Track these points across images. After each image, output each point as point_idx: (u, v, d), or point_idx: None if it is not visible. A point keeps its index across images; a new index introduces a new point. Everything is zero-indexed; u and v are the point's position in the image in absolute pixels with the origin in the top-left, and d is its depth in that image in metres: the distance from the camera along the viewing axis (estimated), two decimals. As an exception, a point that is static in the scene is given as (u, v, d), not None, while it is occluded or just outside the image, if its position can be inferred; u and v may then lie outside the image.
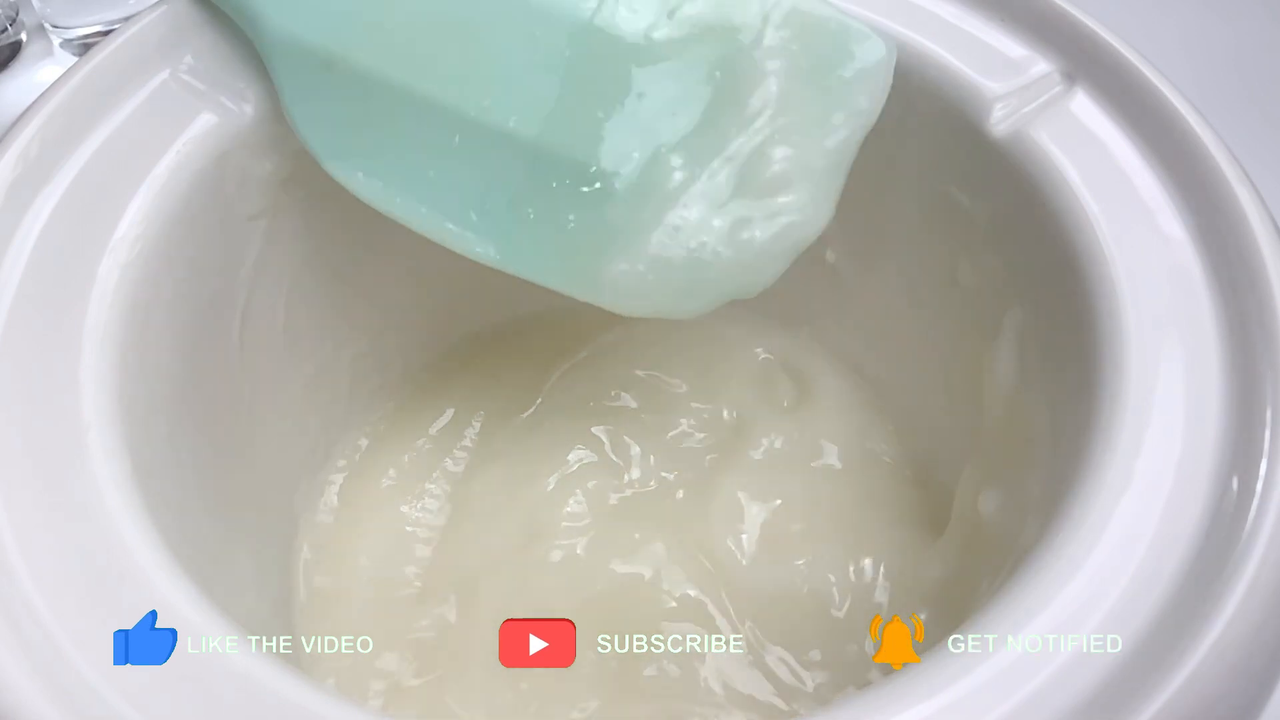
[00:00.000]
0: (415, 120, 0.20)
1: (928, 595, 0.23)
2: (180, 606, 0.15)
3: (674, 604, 0.23)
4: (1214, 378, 0.16)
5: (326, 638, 0.23)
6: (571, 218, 0.19)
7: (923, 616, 0.22)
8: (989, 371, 0.21)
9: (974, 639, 0.14)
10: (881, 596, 0.23)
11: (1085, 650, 0.14)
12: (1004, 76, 0.20)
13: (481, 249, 0.20)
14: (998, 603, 0.15)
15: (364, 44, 0.20)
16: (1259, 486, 0.15)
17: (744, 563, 0.23)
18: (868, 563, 0.23)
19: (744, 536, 0.24)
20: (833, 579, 0.23)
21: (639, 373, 0.27)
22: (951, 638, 0.15)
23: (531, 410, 0.26)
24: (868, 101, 0.19)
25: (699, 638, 0.22)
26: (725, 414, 0.26)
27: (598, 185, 0.19)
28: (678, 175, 0.19)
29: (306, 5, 0.20)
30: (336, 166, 0.20)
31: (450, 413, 0.26)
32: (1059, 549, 0.15)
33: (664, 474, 0.25)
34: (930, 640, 0.15)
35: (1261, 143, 0.24)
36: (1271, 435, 0.16)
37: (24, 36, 0.36)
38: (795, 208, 0.19)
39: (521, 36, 0.19)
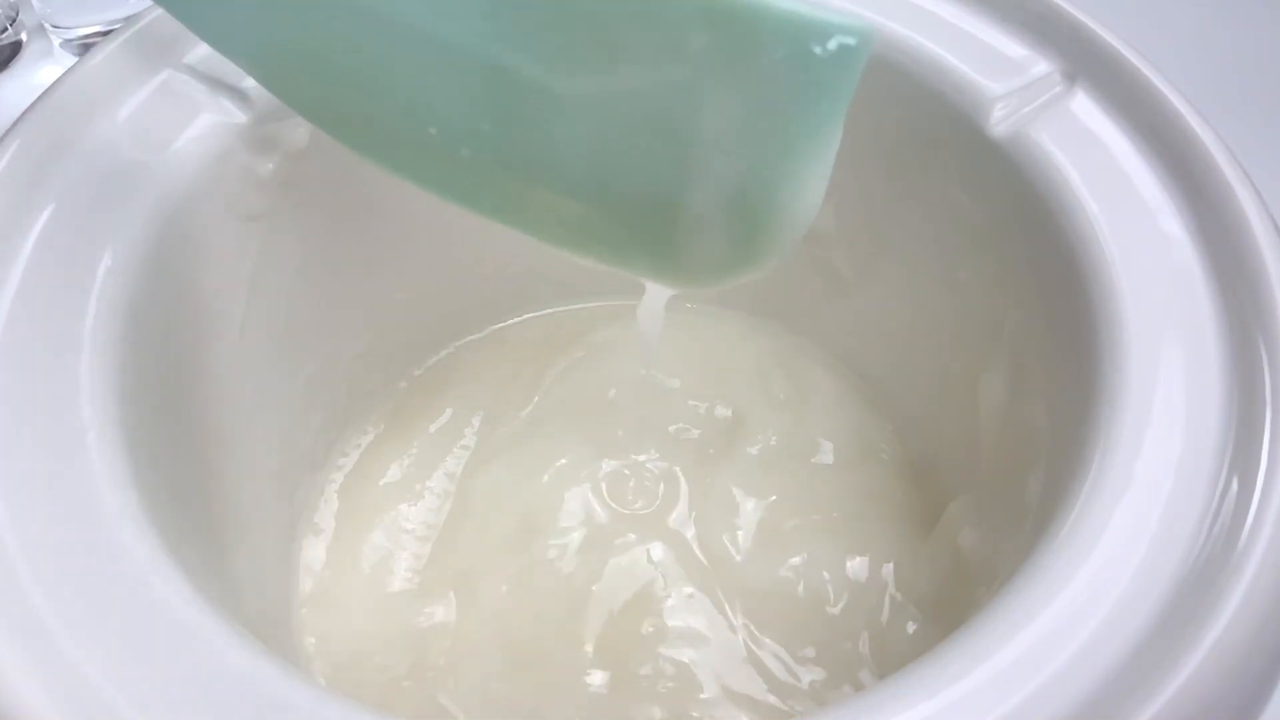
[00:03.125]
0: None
1: (925, 594, 0.23)
2: (179, 606, 0.15)
3: (670, 601, 0.23)
4: (1214, 378, 0.16)
5: (325, 635, 0.23)
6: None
7: (920, 615, 0.22)
8: (986, 372, 0.22)
9: (973, 639, 0.14)
10: (877, 594, 0.23)
11: (1085, 651, 0.14)
12: (1004, 77, 0.20)
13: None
14: (997, 603, 0.15)
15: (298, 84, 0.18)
16: (1258, 487, 0.15)
17: (739, 559, 0.23)
18: (864, 560, 0.23)
19: (740, 533, 0.24)
20: (828, 576, 0.23)
21: (635, 372, 0.27)
22: (951, 638, 0.15)
23: (529, 409, 0.26)
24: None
25: (695, 635, 0.22)
26: (722, 411, 0.26)
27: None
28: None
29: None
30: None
31: (449, 412, 0.26)
32: (1058, 549, 0.15)
33: (659, 472, 0.25)
34: (929, 640, 0.15)
35: (1261, 143, 0.24)
36: (1271, 436, 0.16)
37: (24, 36, 0.36)
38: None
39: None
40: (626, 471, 0.25)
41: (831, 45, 0.14)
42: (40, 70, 0.35)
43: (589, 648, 0.22)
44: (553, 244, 0.18)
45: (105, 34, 0.27)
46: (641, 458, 0.25)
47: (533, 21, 0.15)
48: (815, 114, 0.15)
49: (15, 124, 0.19)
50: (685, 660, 0.22)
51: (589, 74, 0.15)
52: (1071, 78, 0.20)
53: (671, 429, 0.26)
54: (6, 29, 0.35)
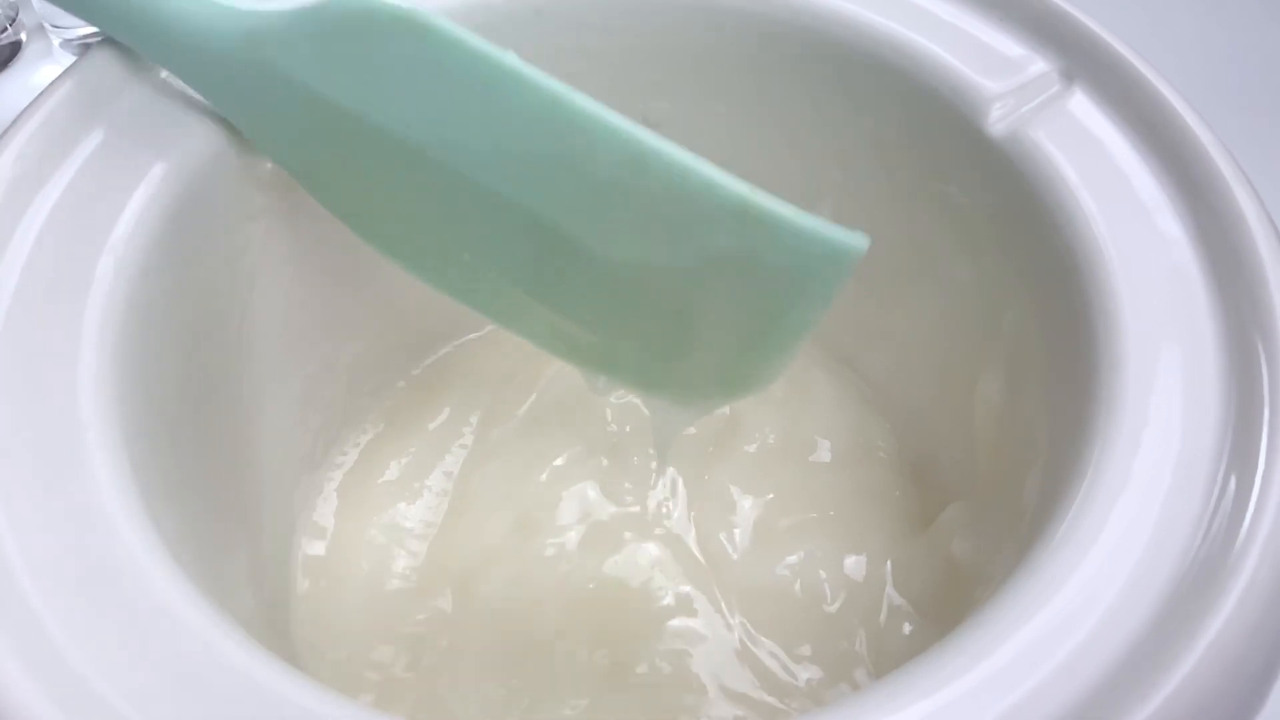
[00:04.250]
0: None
1: (922, 593, 0.23)
2: (178, 604, 0.15)
3: (667, 599, 0.23)
4: (1212, 377, 0.16)
5: (323, 632, 0.23)
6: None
7: (917, 615, 0.23)
8: (984, 371, 0.22)
9: (971, 638, 0.14)
10: (875, 593, 0.23)
11: (1082, 650, 0.14)
12: (1002, 76, 0.20)
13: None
14: (995, 602, 0.15)
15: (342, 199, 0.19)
16: (1256, 486, 0.15)
17: (737, 558, 0.24)
18: (861, 559, 0.23)
19: (737, 531, 0.24)
20: (825, 575, 0.23)
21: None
22: (948, 637, 0.15)
23: (527, 407, 0.26)
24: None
25: (691, 633, 0.22)
26: (719, 409, 0.26)
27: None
28: None
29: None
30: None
31: (447, 411, 0.26)
32: (1056, 548, 0.15)
33: (657, 471, 0.25)
34: (926, 639, 0.15)
35: (1260, 143, 0.24)
36: (1269, 434, 0.16)
37: (24, 36, 0.36)
38: None
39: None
40: (624, 470, 0.25)
41: (836, 259, 0.16)
42: (40, 70, 0.35)
43: (586, 646, 0.22)
44: (551, 354, 0.20)
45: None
46: (639, 456, 0.25)
47: (587, 193, 0.17)
48: (809, 306, 0.17)
49: (15, 124, 0.19)
50: (682, 659, 0.22)
51: (624, 246, 0.17)
52: (1070, 77, 0.20)
53: (670, 427, 0.26)
54: (6, 29, 0.35)
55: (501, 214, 0.17)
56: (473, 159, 0.17)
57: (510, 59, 0.16)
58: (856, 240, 0.16)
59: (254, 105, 0.18)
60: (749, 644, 0.22)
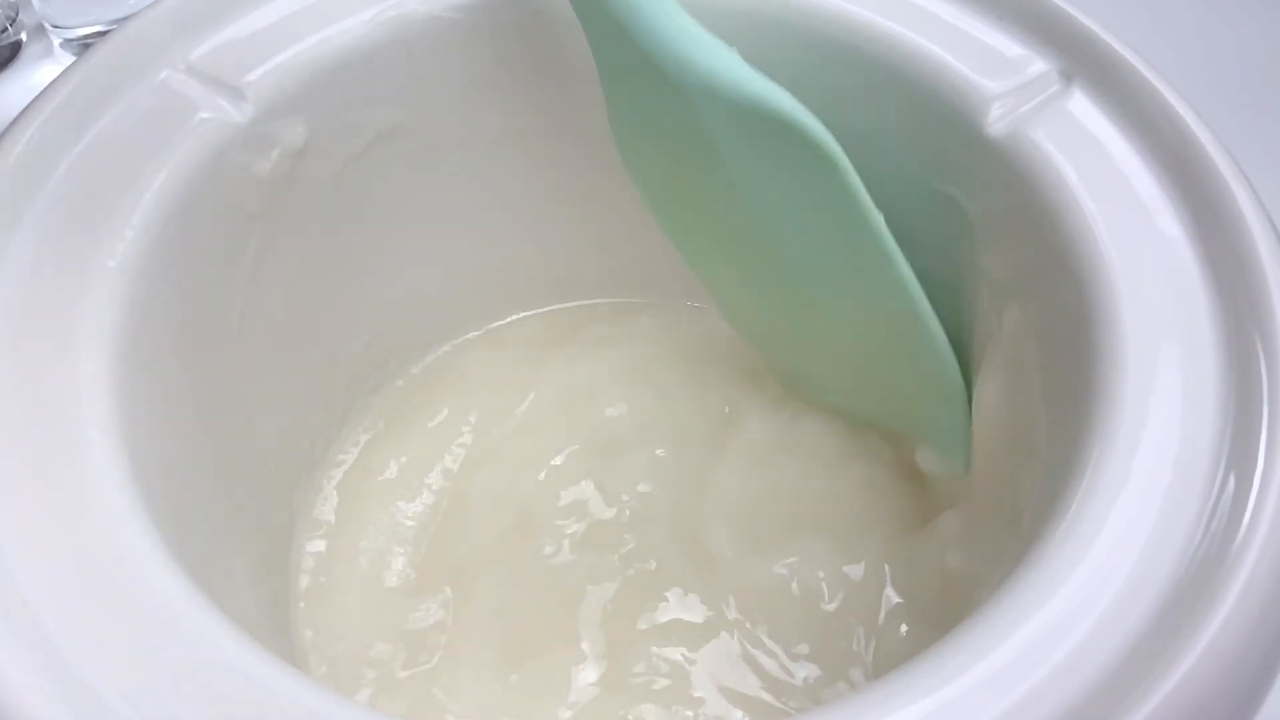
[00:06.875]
0: None
1: (921, 592, 0.23)
2: (177, 603, 0.15)
3: (665, 598, 0.23)
4: (1211, 376, 0.17)
5: (322, 630, 0.23)
6: None
7: (916, 614, 0.23)
8: (983, 370, 0.22)
9: (970, 637, 0.14)
10: (873, 592, 0.23)
11: (1081, 649, 0.14)
12: (1001, 76, 0.20)
13: None
14: (993, 601, 0.15)
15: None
16: (1255, 485, 0.15)
17: (735, 557, 0.23)
18: (860, 559, 0.23)
19: (736, 530, 0.24)
20: (823, 574, 0.23)
21: (631, 369, 0.27)
22: (947, 636, 0.15)
23: (525, 406, 0.26)
24: None
25: (689, 633, 0.22)
26: (718, 406, 0.26)
27: None
28: None
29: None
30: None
31: (446, 410, 0.26)
32: (1056, 547, 0.15)
33: (655, 470, 0.25)
34: (924, 639, 0.15)
35: (1260, 143, 0.24)
36: (1268, 433, 0.16)
37: (24, 36, 0.36)
38: None
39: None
40: (623, 469, 0.25)
41: (953, 451, 0.23)
42: (40, 70, 0.35)
43: (584, 645, 0.22)
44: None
45: (105, 34, 0.27)
46: (637, 455, 0.25)
47: (858, 309, 0.22)
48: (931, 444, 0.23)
49: (15, 123, 0.19)
50: (680, 658, 0.22)
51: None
52: (1069, 77, 0.20)
53: (669, 426, 0.26)
54: (6, 29, 0.35)
55: (775, 277, 0.22)
56: (798, 252, 0.21)
57: (878, 220, 0.20)
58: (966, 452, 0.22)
59: (647, 112, 0.20)
60: (747, 644, 0.22)
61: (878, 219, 0.20)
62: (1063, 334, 0.18)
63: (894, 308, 0.21)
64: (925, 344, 0.21)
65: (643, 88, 0.20)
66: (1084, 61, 0.20)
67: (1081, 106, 0.20)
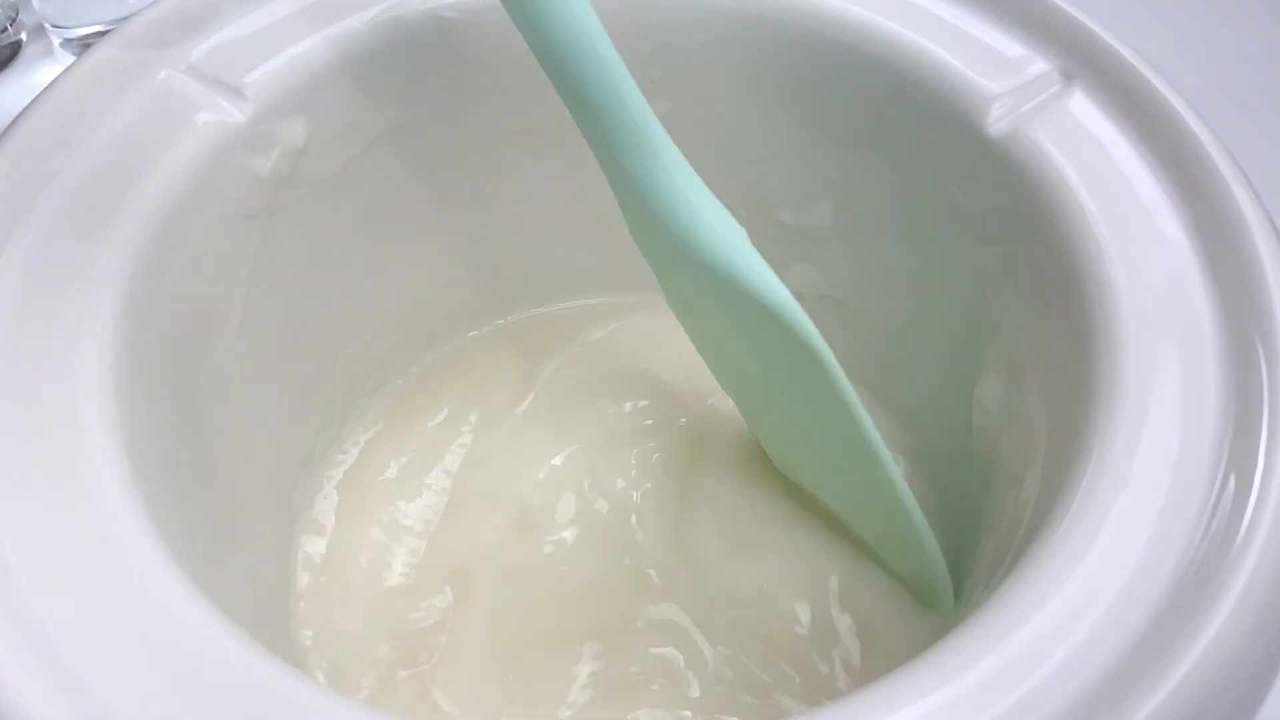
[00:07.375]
0: None
1: (920, 592, 0.23)
2: (177, 602, 0.15)
3: (664, 599, 0.23)
4: (1211, 376, 0.17)
5: (322, 629, 0.23)
6: None
7: (915, 613, 0.23)
8: (983, 371, 0.22)
9: (970, 636, 0.14)
10: (873, 592, 0.23)
11: (1081, 649, 0.14)
12: (1002, 76, 0.20)
13: None
14: (994, 601, 0.15)
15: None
16: (1255, 485, 0.15)
17: (734, 557, 0.24)
18: (858, 559, 0.23)
19: (735, 531, 0.24)
20: (820, 574, 0.23)
21: (630, 369, 0.27)
22: (948, 635, 0.15)
23: (525, 406, 0.26)
24: None
25: (688, 632, 0.22)
26: (717, 409, 0.26)
27: None
28: None
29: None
30: None
31: (446, 410, 0.26)
32: (1056, 548, 0.15)
33: (654, 469, 0.25)
34: (926, 639, 0.15)
35: (1260, 142, 0.24)
36: (1268, 434, 0.16)
37: (24, 36, 0.36)
38: None
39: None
40: (622, 469, 0.25)
41: (932, 594, 0.23)
42: (40, 70, 0.35)
43: (582, 645, 0.22)
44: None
45: (105, 34, 0.28)
46: (637, 455, 0.25)
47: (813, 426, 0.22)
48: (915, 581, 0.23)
49: (15, 123, 0.19)
50: (677, 659, 0.22)
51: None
52: (1069, 77, 0.20)
53: (668, 426, 0.26)
54: (6, 29, 0.35)
55: (773, 416, 0.24)
56: (788, 417, 0.23)
57: (865, 419, 0.21)
58: (947, 603, 0.22)
59: (662, 250, 0.21)
60: (745, 644, 0.22)
61: (864, 418, 0.20)
62: (1063, 334, 0.18)
63: (881, 502, 0.22)
64: (909, 532, 0.22)
65: (657, 233, 0.20)
66: (1084, 61, 0.20)
67: (1082, 106, 0.20)
